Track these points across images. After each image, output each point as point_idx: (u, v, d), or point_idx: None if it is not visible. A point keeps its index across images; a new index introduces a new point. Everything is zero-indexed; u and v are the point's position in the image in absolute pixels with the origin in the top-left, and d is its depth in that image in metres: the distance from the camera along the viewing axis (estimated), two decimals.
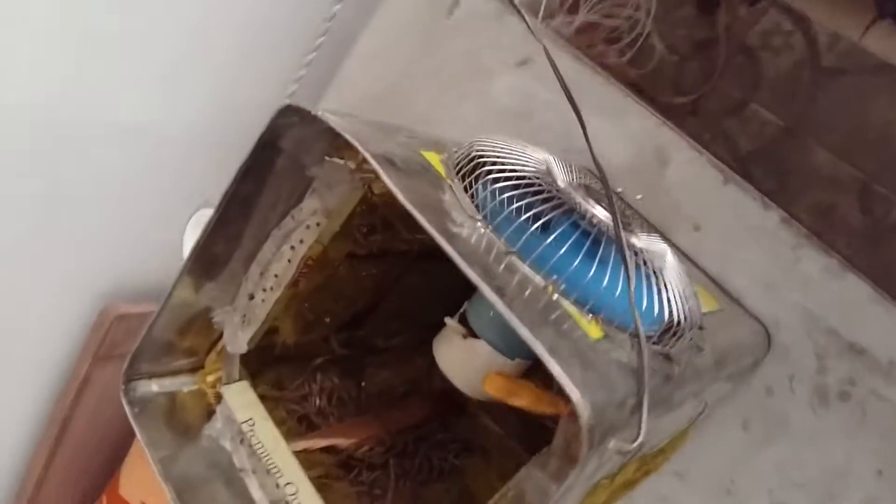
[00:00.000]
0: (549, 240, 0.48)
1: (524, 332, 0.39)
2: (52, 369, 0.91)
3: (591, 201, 0.53)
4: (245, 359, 0.64)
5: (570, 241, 0.49)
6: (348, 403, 0.70)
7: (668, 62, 1.49)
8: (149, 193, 0.85)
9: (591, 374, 0.40)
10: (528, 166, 0.53)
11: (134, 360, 0.60)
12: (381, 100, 1.02)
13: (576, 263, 0.48)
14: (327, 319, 0.68)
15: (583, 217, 0.52)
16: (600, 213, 0.53)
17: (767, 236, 0.74)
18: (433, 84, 0.95)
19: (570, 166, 0.58)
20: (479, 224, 0.47)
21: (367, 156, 0.44)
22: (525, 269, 0.46)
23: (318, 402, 0.68)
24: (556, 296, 0.46)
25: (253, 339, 0.62)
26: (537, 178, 0.52)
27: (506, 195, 0.49)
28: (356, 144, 0.45)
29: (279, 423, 0.64)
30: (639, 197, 0.80)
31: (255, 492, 0.59)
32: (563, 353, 0.40)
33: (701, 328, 0.59)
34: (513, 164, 0.52)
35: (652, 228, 0.71)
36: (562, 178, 0.56)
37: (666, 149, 0.79)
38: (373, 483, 0.64)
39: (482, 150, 0.54)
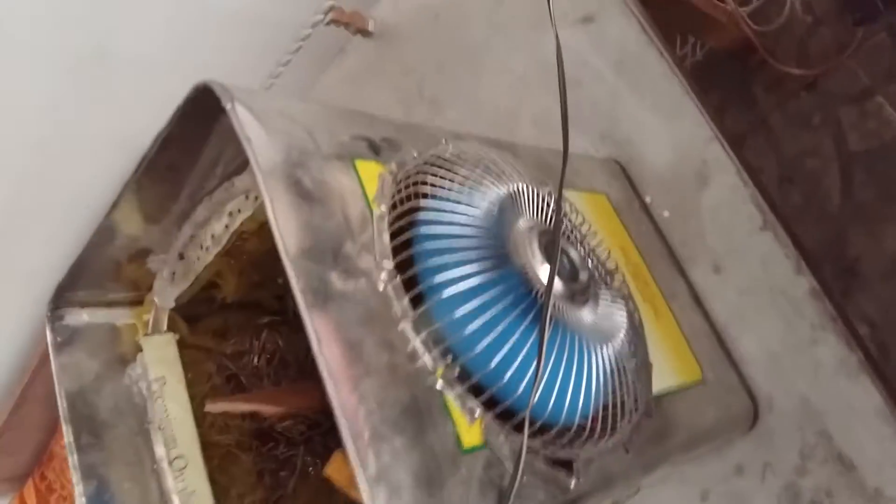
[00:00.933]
0: (463, 311, 0.42)
1: (346, 437, 0.34)
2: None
3: (541, 257, 0.45)
4: (191, 302, 0.62)
5: (489, 313, 0.42)
6: (291, 367, 0.67)
7: (799, 23, 1.29)
8: None
9: (424, 498, 0.35)
10: (476, 205, 0.46)
11: (65, 285, 0.58)
12: (438, 18, 0.92)
13: (485, 342, 0.41)
14: (280, 280, 0.64)
15: (522, 282, 0.44)
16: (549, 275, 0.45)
17: (790, 304, 0.63)
18: (488, 21, 0.85)
19: (542, 198, 0.50)
20: (384, 275, 0.41)
21: (260, 181, 0.38)
22: (416, 342, 0.40)
23: (256, 360, 0.65)
24: (440, 383, 0.40)
25: (183, 296, 0.59)
26: (478, 228, 0.44)
27: (426, 245, 0.43)
28: (253, 165, 0.38)
29: (205, 378, 0.63)
30: (665, 213, 0.70)
31: (159, 448, 0.58)
32: (393, 474, 0.34)
33: (649, 415, 0.51)
34: (454, 205, 0.45)
35: (622, 289, 0.61)
36: (523, 220, 0.48)
37: (711, 167, 0.68)
38: (284, 462, 0.62)
39: (427, 175, 0.46)
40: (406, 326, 0.40)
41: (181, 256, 0.56)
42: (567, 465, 0.43)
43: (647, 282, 0.63)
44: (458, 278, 0.42)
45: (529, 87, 0.81)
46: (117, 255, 0.58)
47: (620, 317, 0.50)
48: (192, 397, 0.60)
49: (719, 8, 1.12)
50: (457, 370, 0.40)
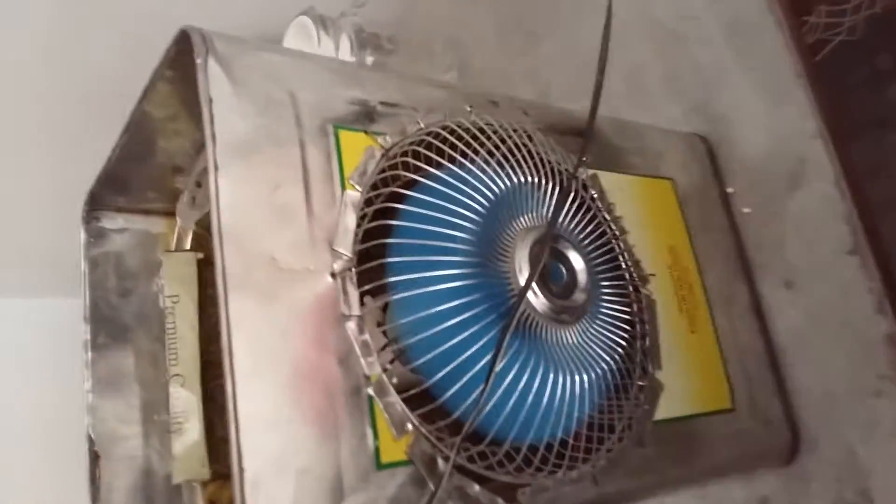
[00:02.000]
0: (418, 316, 0.38)
1: (233, 437, 0.32)
2: None
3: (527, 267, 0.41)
4: None
5: (449, 322, 0.38)
6: None
7: None
8: None
9: None
10: (475, 195, 0.41)
11: (102, 190, 0.59)
12: None
13: (436, 352, 0.38)
14: None
15: (497, 293, 0.40)
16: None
17: (861, 344, 0.54)
18: None
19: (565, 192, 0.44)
20: (337, 264, 0.38)
21: (210, 152, 0.36)
22: (357, 342, 0.37)
23: None
24: (371, 391, 0.37)
25: (205, 220, 0.58)
26: (468, 224, 0.40)
27: (397, 237, 0.39)
28: (206, 131, 0.36)
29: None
30: (746, 210, 0.62)
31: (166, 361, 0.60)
32: (281, 482, 0.33)
33: (640, 445, 0.47)
34: (446, 193, 0.40)
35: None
36: (527, 218, 0.43)
37: (808, 168, 0.58)
38: None
39: (423, 152, 0.41)
40: (350, 324, 0.37)
41: (198, 184, 0.55)
42: (510, 494, 0.40)
43: (693, 288, 0.56)
44: (423, 280, 0.39)
45: (628, 38, 0.72)
46: (159, 167, 0.58)
47: (618, 340, 0.45)
48: (211, 316, 0.61)
49: None
50: (394, 379, 0.38)
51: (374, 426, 0.37)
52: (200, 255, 0.61)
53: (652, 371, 0.49)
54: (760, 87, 0.61)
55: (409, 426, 0.38)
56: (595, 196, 0.51)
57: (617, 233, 0.51)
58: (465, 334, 0.38)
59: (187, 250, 0.60)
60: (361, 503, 0.35)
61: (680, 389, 0.51)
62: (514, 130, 0.46)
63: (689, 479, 0.52)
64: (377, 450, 0.36)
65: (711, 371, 0.54)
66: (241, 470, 0.32)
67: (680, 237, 0.57)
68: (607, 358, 0.43)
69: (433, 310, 0.38)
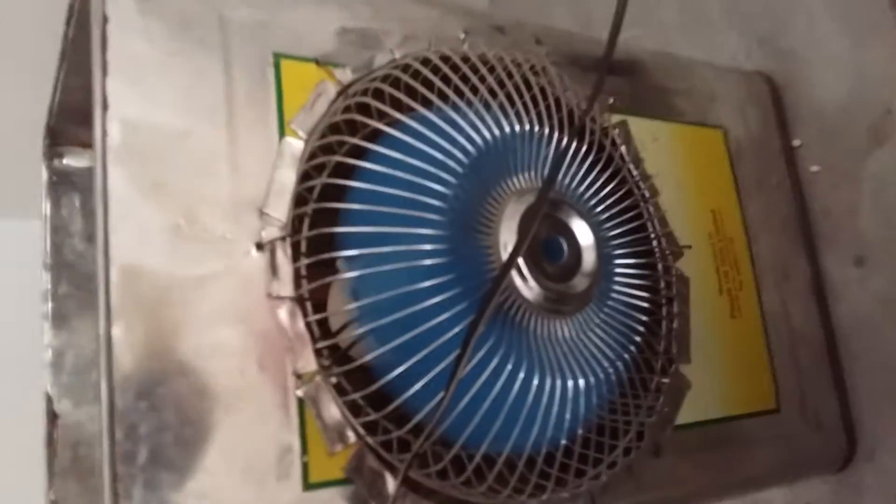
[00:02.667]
0: (372, 300, 0.31)
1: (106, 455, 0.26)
2: None
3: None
4: None
5: (411, 309, 0.30)
6: None
7: None
8: None
9: None
10: (457, 149, 0.32)
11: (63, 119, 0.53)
12: None
13: (393, 344, 0.30)
14: None
15: (475, 272, 0.32)
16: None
17: None
18: None
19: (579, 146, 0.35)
20: (265, 233, 0.30)
21: (96, 77, 0.28)
22: (292, 329, 0.30)
23: None
24: (301, 392, 0.30)
25: None
26: (445, 186, 0.31)
27: (350, 201, 0.31)
28: (94, 53, 0.28)
29: None
30: (814, 168, 0.51)
31: None
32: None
33: (656, 454, 0.39)
34: (418, 144, 0.31)
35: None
36: (521, 179, 0.34)
37: (894, 121, 0.47)
38: None
39: (393, 90, 0.33)
40: (280, 309, 0.30)
41: None
42: None
43: (739, 263, 0.46)
44: (379, 257, 0.31)
45: None
46: None
47: (633, 330, 0.36)
48: None
49: None
50: (334, 379, 0.30)
51: (302, 436, 0.29)
52: None
53: (677, 366, 0.40)
54: (843, 18, 0.50)
55: (351, 437, 0.30)
56: (620, 148, 0.41)
57: (646, 194, 0.41)
58: (427, 326, 0.30)
59: None
60: None
61: (713, 387, 0.42)
62: (517, 64, 0.37)
63: (722, 492, 0.44)
64: (305, 466, 0.29)
65: (754, 364, 0.45)
66: (115, 476, 0.25)
67: (727, 199, 0.47)
68: (613, 356, 0.35)
69: (389, 293, 0.30)
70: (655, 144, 0.44)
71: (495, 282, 0.30)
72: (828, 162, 0.50)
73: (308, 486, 0.29)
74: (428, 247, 0.31)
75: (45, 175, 0.54)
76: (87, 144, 0.55)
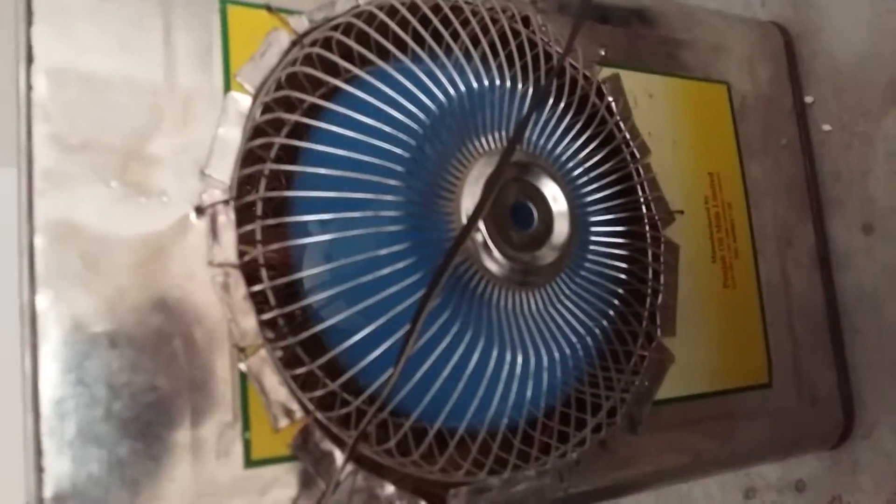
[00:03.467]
0: (321, 266, 0.29)
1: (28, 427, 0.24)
2: None
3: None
4: None
5: (365, 277, 0.29)
6: None
7: None
8: None
9: None
10: (420, 102, 0.30)
11: None
12: None
13: (345, 314, 0.29)
14: None
15: (433, 238, 0.30)
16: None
17: None
18: None
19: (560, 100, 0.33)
20: (207, 195, 0.28)
21: None
22: (227, 302, 0.28)
23: None
24: (244, 366, 0.28)
25: None
26: (403, 143, 0.29)
27: (302, 162, 0.29)
28: None
29: None
30: (826, 127, 0.48)
31: None
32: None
33: (632, 431, 0.37)
34: (377, 98, 0.29)
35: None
36: (489, 138, 0.32)
37: None
38: None
39: (352, 39, 0.30)
40: (219, 277, 0.28)
41: None
42: (436, 496, 0.31)
43: (736, 229, 0.43)
44: (329, 223, 0.29)
45: None
46: None
47: (609, 301, 0.34)
48: None
49: None
50: (279, 352, 0.28)
51: (244, 412, 0.28)
52: None
53: (660, 339, 0.38)
54: None
55: (298, 412, 0.29)
56: (607, 102, 0.38)
57: (635, 154, 0.39)
58: (381, 296, 0.28)
59: None
60: None
61: (700, 361, 0.40)
62: (491, 9, 0.34)
63: (706, 468, 0.42)
64: (247, 443, 0.28)
65: (746, 336, 0.43)
66: (40, 452, 0.24)
67: (727, 161, 0.44)
68: (583, 330, 0.33)
69: (338, 262, 0.29)
70: (650, 101, 0.41)
71: (448, 252, 0.28)
72: (841, 121, 0.47)
73: (250, 462, 0.28)
74: (385, 213, 0.29)
75: None
76: None
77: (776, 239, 0.45)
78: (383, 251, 0.29)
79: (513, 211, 0.31)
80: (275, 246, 0.29)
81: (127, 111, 0.27)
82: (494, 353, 0.30)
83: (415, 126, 0.29)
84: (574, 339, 0.32)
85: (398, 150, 0.29)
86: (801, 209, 0.48)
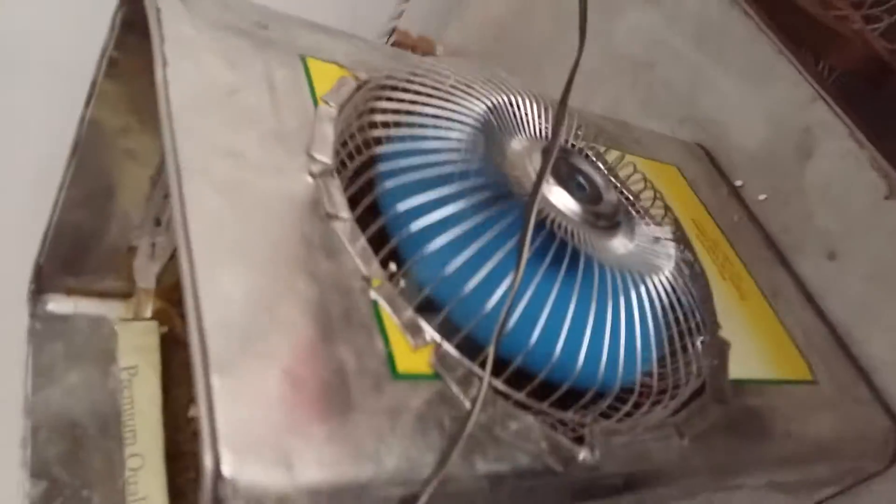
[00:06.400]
0: (428, 221, 0.31)
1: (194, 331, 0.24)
2: None
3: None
4: None
5: (464, 225, 0.31)
6: None
7: None
8: None
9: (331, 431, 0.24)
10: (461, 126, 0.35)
11: (52, 268, 0.52)
12: (504, 29, 0.85)
13: (458, 262, 0.30)
14: None
15: (510, 193, 0.33)
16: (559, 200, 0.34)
17: None
18: (551, 21, 0.77)
19: (543, 113, 0.39)
20: (316, 167, 0.32)
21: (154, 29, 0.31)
22: (350, 243, 0.30)
23: None
24: (374, 294, 0.29)
25: (168, 274, 0.51)
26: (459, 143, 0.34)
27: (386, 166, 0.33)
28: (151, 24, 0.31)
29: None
30: (762, 197, 0.57)
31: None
32: (259, 383, 0.24)
33: (723, 400, 0.37)
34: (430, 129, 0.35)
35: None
36: (523, 137, 0.37)
37: (815, 134, 0.54)
38: None
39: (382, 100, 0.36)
40: (339, 223, 0.30)
41: (157, 222, 0.49)
42: (575, 432, 0.30)
43: (731, 260, 0.49)
44: (429, 183, 0.32)
45: (601, 80, 0.71)
46: (115, 239, 0.52)
47: (670, 261, 0.37)
48: (177, 398, 0.51)
49: (843, 23, 0.98)
50: (402, 284, 0.30)
51: (382, 331, 0.28)
52: (164, 329, 0.53)
53: (711, 325, 0.40)
54: (742, 77, 0.59)
55: (430, 336, 0.29)
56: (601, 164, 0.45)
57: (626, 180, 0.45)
58: (487, 238, 0.31)
59: (148, 319, 0.53)
60: (378, 414, 0.25)
61: (748, 351, 0.42)
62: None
63: (785, 458, 0.41)
64: (391, 356, 0.27)
65: (777, 339, 0.46)
66: (206, 355, 0.23)
67: (701, 214, 0.51)
68: (666, 278, 0.36)
69: (442, 212, 0.31)
70: (626, 167, 0.49)
71: (534, 187, 0.32)
72: (771, 188, 0.56)
73: (396, 374, 0.27)
74: (464, 171, 0.33)
75: (28, 323, 0.53)
76: (74, 291, 0.55)
77: (765, 290, 0.51)
78: (472, 199, 0.32)
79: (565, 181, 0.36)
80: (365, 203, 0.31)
81: (241, 108, 0.32)
82: (616, 289, 0.32)
83: (476, 124, 0.35)
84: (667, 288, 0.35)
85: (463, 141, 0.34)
86: (771, 263, 0.54)
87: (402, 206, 0.30)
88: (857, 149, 0.52)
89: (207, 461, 0.21)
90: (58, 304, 0.54)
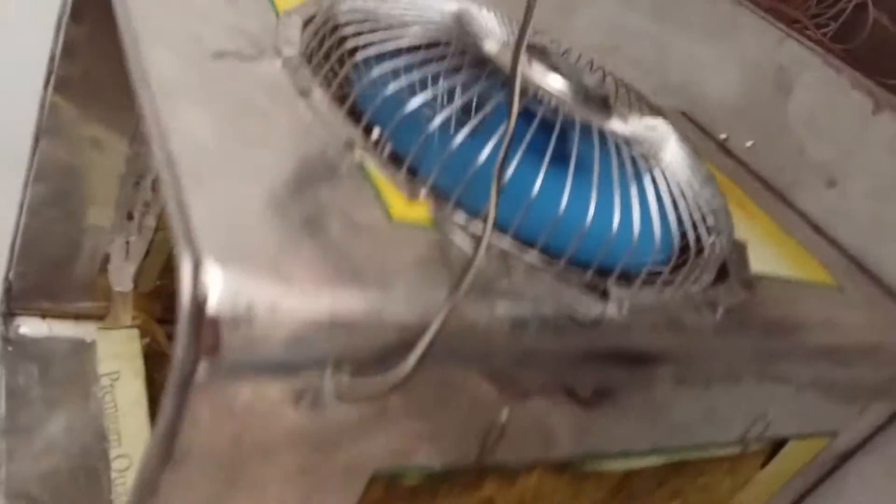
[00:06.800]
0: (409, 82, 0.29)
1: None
2: None
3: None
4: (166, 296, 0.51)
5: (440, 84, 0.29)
6: None
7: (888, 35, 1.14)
8: None
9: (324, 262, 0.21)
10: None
11: (24, 291, 0.50)
12: None
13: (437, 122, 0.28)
14: None
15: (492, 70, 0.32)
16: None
17: None
18: None
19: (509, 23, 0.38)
20: (288, 50, 0.30)
21: None
22: (326, 111, 0.28)
23: None
24: (360, 155, 0.27)
25: (145, 276, 0.49)
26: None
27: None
28: None
29: None
30: (749, 144, 0.55)
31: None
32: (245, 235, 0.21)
33: (750, 286, 0.35)
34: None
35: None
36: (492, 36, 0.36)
37: (790, 70, 0.54)
38: None
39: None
40: (315, 95, 0.28)
41: (129, 216, 0.46)
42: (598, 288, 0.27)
43: (732, 191, 0.47)
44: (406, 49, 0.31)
45: None
46: (88, 256, 0.50)
47: (673, 142, 0.36)
48: None
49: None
50: (387, 150, 0.27)
51: (373, 185, 0.26)
52: (146, 340, 0.50)
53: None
54: (707, 36, 0.60)
55: (423, 193, 0.26)
56: None
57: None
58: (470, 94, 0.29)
59: (129, 327, 0.49)
60: (377, 247, 0.23)
61: (766, 255, 0.40)
62: None
63: (824, 353, 0.38)
64: (384, 204, 0.25)
65: (793, 250, 0.43)
66: (176, 177, 0.21)
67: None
68: (665, 148, 0.34)
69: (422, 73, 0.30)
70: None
71: (514, 50, 0.30)
72: (757, 132, 0.55)
73: (392, 219, 0.24)
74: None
75: None
76: (47, 314, 0.52)
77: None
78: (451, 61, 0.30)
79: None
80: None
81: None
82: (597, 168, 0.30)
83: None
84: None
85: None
86: (773, 203, 0.52)
87: (377, 70, 0.29)
88: (834, 74, 0.51)
89: (185, 266, 0.19)
90: (31, 328, 0.51)
